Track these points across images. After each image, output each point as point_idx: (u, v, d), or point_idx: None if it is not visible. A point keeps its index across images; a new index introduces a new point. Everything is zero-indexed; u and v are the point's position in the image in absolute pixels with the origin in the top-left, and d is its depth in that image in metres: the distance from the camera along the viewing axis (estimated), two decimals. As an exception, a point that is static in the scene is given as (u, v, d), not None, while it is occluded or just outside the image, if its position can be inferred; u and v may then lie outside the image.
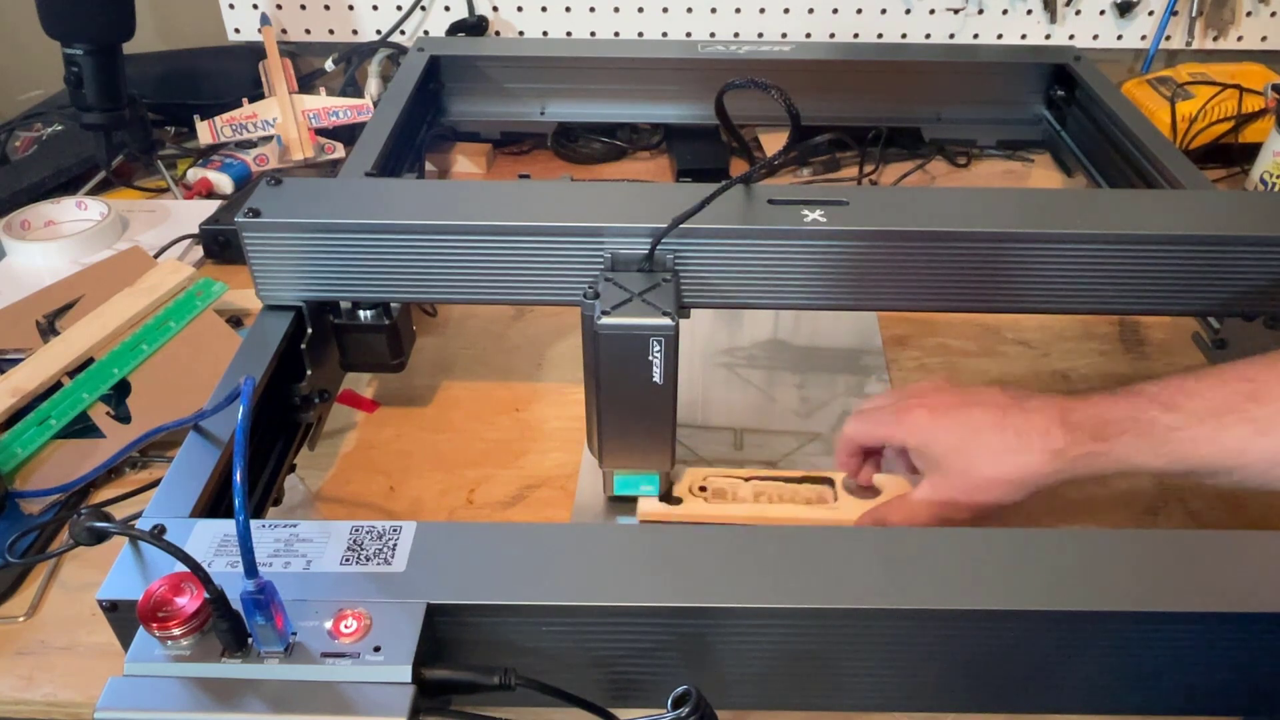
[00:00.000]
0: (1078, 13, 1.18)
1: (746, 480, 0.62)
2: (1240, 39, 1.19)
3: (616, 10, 1.19)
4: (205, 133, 1.04)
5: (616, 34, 1.21)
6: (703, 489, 0.62)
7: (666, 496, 0.62)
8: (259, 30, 1.12)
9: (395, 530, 0.49)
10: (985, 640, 0.47)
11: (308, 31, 1.21)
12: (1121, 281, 0.63)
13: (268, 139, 1.06)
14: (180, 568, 0.41)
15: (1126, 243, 0.62)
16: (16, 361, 0.71)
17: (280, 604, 0.42)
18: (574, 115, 1.09)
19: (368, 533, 0.49)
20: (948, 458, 0.56)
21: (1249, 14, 1.17)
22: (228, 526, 0.49)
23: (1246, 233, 0.62)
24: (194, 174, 1.02)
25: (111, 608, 0.46)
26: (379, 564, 0.47)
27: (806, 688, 0.51)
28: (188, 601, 0.43)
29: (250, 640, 0.43)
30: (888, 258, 0.63)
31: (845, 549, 0.49)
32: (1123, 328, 0.83)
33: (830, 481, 0.62)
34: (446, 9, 1.20)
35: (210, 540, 0.49)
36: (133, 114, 0.96)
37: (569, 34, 1.21)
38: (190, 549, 0.47)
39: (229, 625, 0.42)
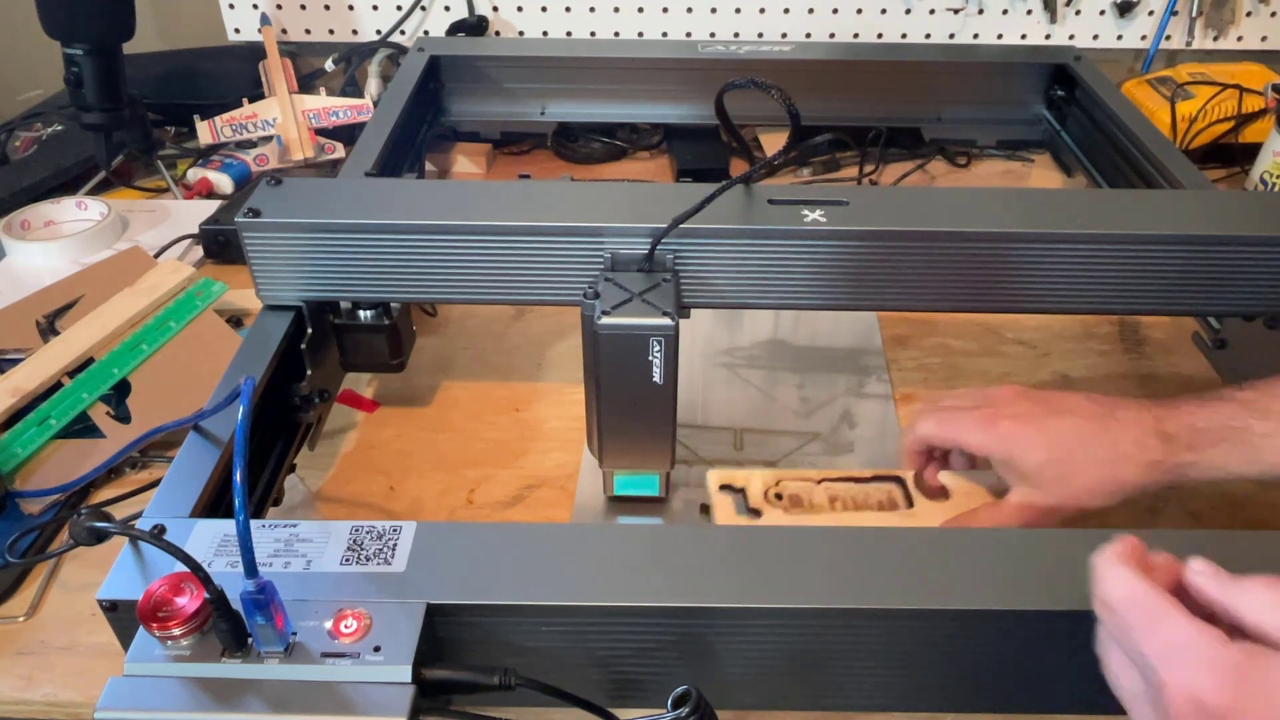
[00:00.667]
0: (1078, 13, 1.18)
1: (819, 483, 0.60)
2: (1240, 39, 1.19)
3: (616, 10, 1.19)
4: (205, 133, 1.04)
5: (616, 34, 1.21)
6: (778, 496, 0.59)
7: (744, 507, 0.59)
8: (259, 30, 1.12)
9: (395, 530, 0.49)
10: (986, 640, 0.48)
11: (308, 31, 1.21)
12: (1121, 281, 0.63)
13: (268, 139, 1.06)
14: (180, 568, 0.41)
15: (1126, 243, 0.62)
16: (16, 361, 0.71)
17: (280, 604, 0.42)
18: (574, 115, 1.09)
19: (368, 533, 0.49)
20: (1041, 471, 0.54)
21: (1249, 14, 1.17)
22: (228, 526, 0.49)
23: (1246, 233, 0.62)
24: (194, 174, 1.02)
25: (111, 608, 0.46)
26: (379, 564, 0.47)
27: (806, 688, 0.51)
28: (188, 601, 0.43)
29: (250, 640, 0.43)
30: (888, 258, 0.63)
31: (845, 549, 0.49)
32: (1123, 328, 0.83)
33: (900, 481, 0.60)
34: (446, 9, 1.20)
35: (210, 540, 0.49)
36: (133, 114, 0.96)
37: (569, 34, 1.21)
38: (190, 549, 0.47)
39: (229, 625, 0.42)
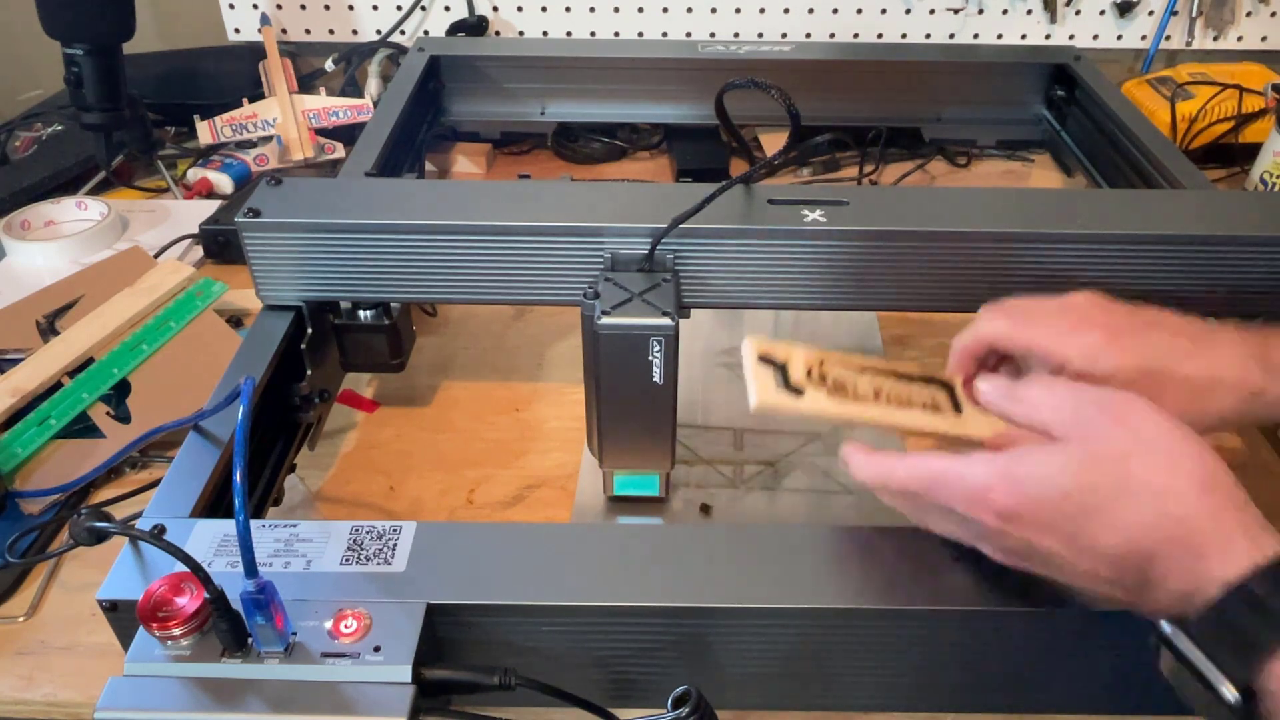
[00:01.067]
0: (1078, 13, 1.18)
1: (862, 372, 0.54)
2: (1240, 39, 1.19)
3: (616, 10, 1.19)
4: (205, 133, 1.04)
5: (616, 34, 1.21)
6: (822, 378, 0.52)
7: (785, 384, 0.51)
8: (259, 30, 1.12)
9: (395, 530, 0.49)
10: (986, 640, 0.48)
11: (308, 31, 1.21)
12: (1122, 281, 0.63)
13: (268, 139, 1.06)
14: (180, 568, 0.41)
15: (1126, 243, 0.62)
16: (16, 361, 0.71)
17: (280, 604, 0.42)
18: (574, 115, 1.09)
19: (368, 533, 0.49)
20: (1126, 391, 0.47)
21: (1249, 14, 1.17)
22: (228, 526, 0.49)
23: (1246, 233, 0.62)
24: (194, 174, 1.02)
25: (111, 608, 0.46)
26: (379, 564, 0.47)
27: (806, 688, 0.51)
28: (188, 601, 0.43)
29: (250, 640, 0.43)
30: (888, 258, 0.63)
31: (845, 549, 0.49)
32: (1123, 328, 0.83)
33: (948, 387, 0.54)
34: (446, 9, 1.20)
35: (210, 540, 0.49)
36: (133, 114, 0.96)
37: (569, 34, 1.21)
38: (190, 549, 0.47)
39: (229, 625, 0.42)
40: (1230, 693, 0.36)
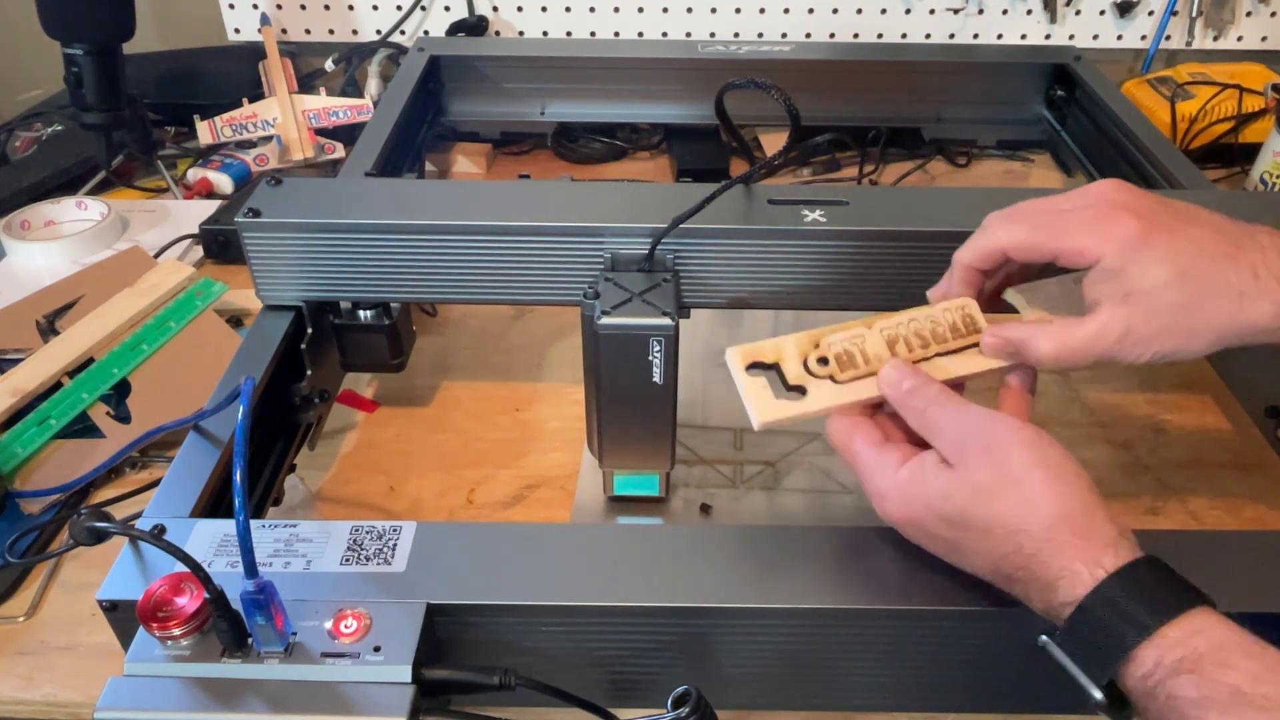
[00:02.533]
0: (1078, 13, 1.18)
1: (871, 329, 0.48)
2: (1240, 39, 1.19)
3: (616, 10, 1.19)
4: (205, 133, 1.04)
5: (616, 34, 1.21)
6: (822, 361, 0.48)
7: (783, 388, 0.47)
8: (259, 30, 1.12)
9: (395, 530, 0.49)
10: (988, 640, 0.48)
11: (308, 31, 1.21)
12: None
13: (268, 139, 1.06)
14: (180, 568, 0.41)
15: (1126, 243, 0.62)
16: (16, 361, 0.71)
17: (280, 604, 0.42)
18: (574, 115, 1.09)
19: (368, 533, 0.49)
20: (1160, 290, 0.43)
21: (1249, 14, 1.17)
22: (228, 526, 0.49)
23: (1246, 233, 0.62)
24: (194, 174, 1.02)
25: (111, 608, 0.46)
26: (379, 564, 0.47)
27: (806, 688, 0.51)
28: (188, 601, 0.43)
29: (250, 640, 0.43)
30: (888, 258, 0.63)
31: (845, 549, 0.49)
32: (1123, 328, 0.83)
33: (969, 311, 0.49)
34: (446, 9, 1.20)
35: (210, 540, 0.49)
36: (133, 114, 0.96)
37: (569, 34, 1.21)
38: (190, 549, 0.47)
39: (229, 625, 0.42)
40: (1099, 695, 0.40)
